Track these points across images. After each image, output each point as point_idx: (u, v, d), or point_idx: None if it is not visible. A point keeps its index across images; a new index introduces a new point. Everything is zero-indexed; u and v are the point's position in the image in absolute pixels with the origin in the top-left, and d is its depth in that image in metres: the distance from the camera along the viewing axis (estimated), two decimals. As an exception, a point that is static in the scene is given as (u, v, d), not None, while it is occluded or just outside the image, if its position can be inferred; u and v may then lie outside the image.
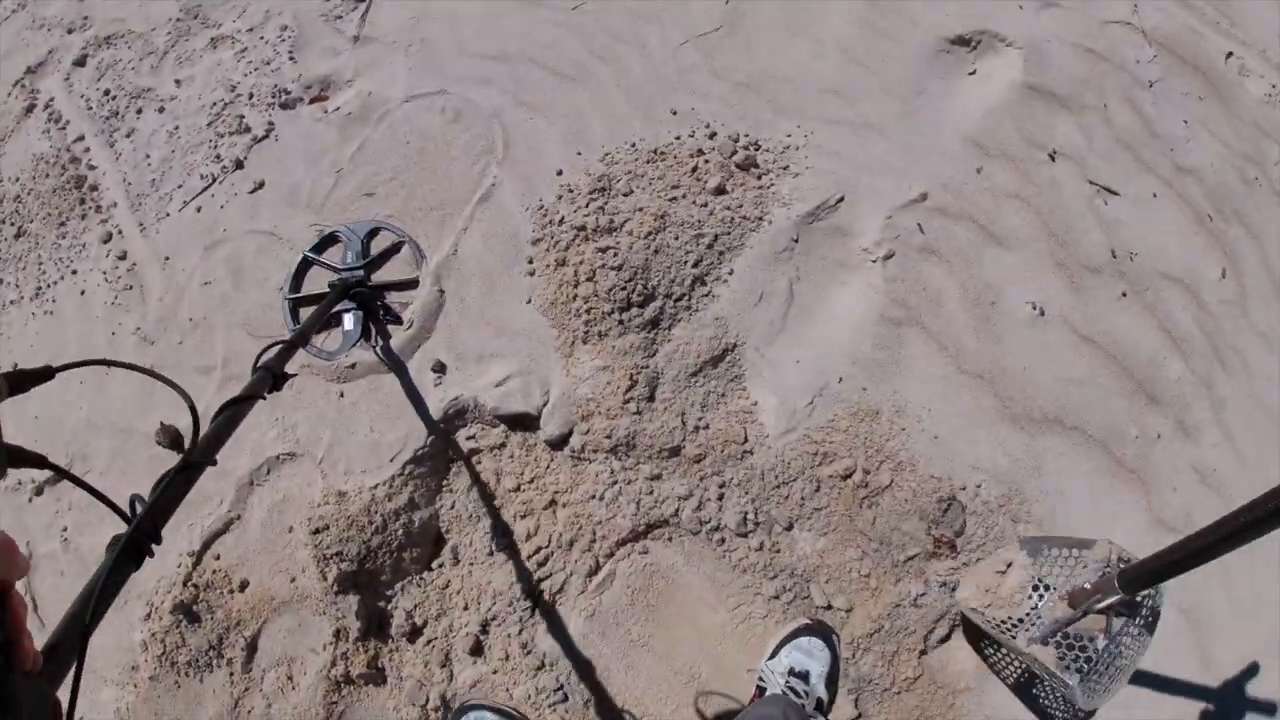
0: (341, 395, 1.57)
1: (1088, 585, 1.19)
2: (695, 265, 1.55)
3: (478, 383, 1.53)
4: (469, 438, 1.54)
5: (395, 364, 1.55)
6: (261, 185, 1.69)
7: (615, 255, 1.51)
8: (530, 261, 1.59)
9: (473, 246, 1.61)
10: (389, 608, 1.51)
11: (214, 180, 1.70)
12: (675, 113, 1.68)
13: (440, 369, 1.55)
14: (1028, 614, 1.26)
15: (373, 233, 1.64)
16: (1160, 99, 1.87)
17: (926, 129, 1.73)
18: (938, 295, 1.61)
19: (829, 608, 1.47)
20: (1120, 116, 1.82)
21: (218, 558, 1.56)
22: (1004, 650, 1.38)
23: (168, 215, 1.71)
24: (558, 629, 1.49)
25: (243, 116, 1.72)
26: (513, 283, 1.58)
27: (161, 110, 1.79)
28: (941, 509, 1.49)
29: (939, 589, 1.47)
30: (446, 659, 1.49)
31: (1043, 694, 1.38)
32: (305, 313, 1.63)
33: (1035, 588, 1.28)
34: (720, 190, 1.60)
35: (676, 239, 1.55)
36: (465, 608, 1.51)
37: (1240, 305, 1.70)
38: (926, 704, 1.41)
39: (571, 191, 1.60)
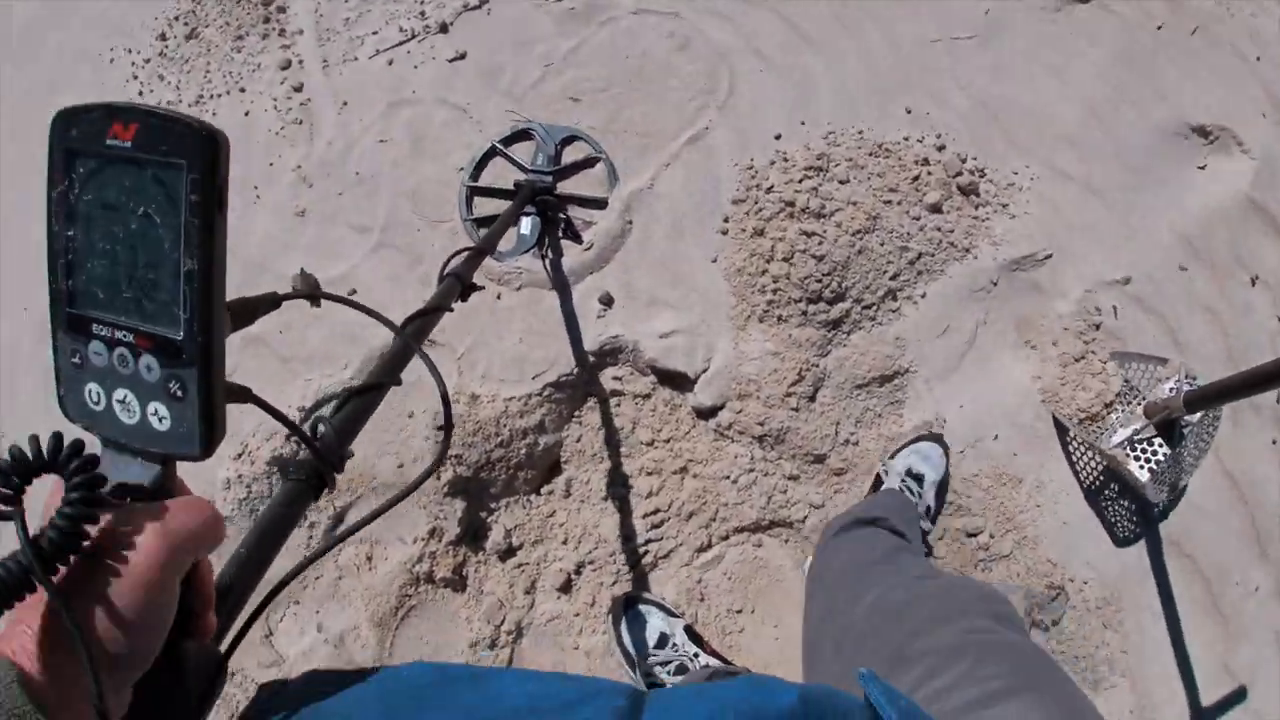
0: (499, 298, 1.50)
1: (1159, 400, 1.39)
2: (893, 278, 1.48)
3: (642, 327, 1.47)
4: (615, 378, 1.48)
5: (561, 283, 1.48)
6: (463, 56, 1.58)
7: (820, 244, 1.44)
8: (726, 220, 1.51)
9: (671, 186, 1.52)
10: (489, 520, 1.47)
11: (413, 36, 1.59)
12: (910, 111, 1.59)
13: (607, 301, 1.48)
14: (1111, 419, 1.48)
15: (568, 139, 1.55)
16: None
17: (1146, 211, 1.66)
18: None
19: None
20: (1330, 257, 1.76)
21: (328, 421, 1.49)
22: (1086, 449, 1.51)
23: (355, 59, 1.60)
24: (649, 591, 1.46)
25: (460, -24, 1.60)
26: (703, 236, 1.51)
27: (372, -56, 1.66)
28: (1049, 595, 1.47)
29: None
30: (532, 587, 1.47)
31: (1109, 503, 1.53)
32: (479, 203, 1.54)
33: (1119, 397, 1.49)
34: (936, 208, 1.52)
35: (882, 245, 1.48)
36: (564, 542, 1.47)
37: None
38: None
39: (786, 161, 1.52)
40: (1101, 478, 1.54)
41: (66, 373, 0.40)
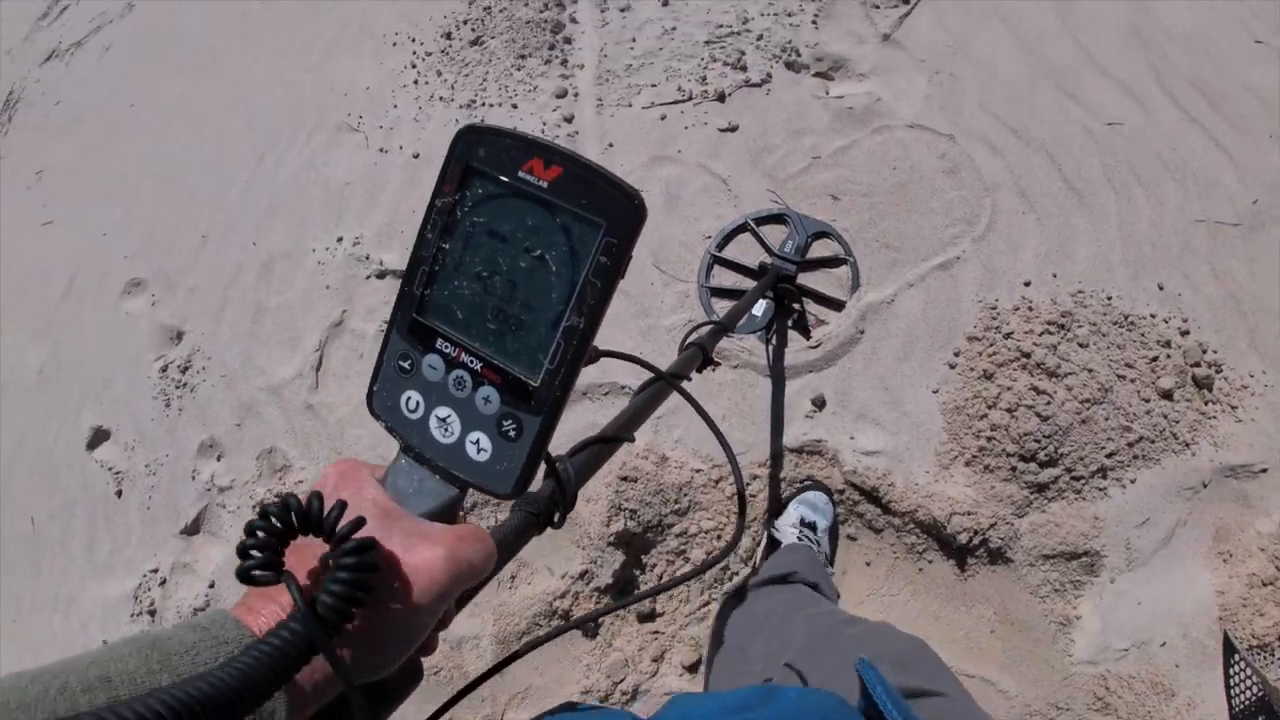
0: (714, 370, 1.51)
1: None
2: (1109, 456, 1.45)
3: (846, 437, 1.47)
4: (807, 478, 1.48)
5: (778, 373, 1.49)
6: (734, 129, 1.61)
7: (1047, 403, 1.42)
8: (957, 354, 1.50)
9: (911, 306, 1.52)
10: (640, 579, 1.49)
11: (689, 98, 1.63)
12: (1162, 288, 1.56)
13: (820, 404, 1.49)
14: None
15: (820, 234, 1.56)
16: None
17: (1373, 448, 1.59)
18: (1299, 614, 1.50)
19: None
20: None
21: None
22: (1249, 674, 1.42)
23: (629, 105, 1.64)
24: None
25: (744, 53, 1.63)
26: (929, 364, 1.50)
27: (666, 3, 1.69)
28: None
29: None
30: (661, 656, 1.48)
31: None
32: (718, 273, 1.56)
33: None
34: (1168, 395, 1.49)
35: (1107, 419, 1.45)
36: (708, 625, 1.48)
37: None
38: None
39: (1031, 310, 1.50)
40: (1254, 707, 1.48)
41: (389, 374, 0.40)
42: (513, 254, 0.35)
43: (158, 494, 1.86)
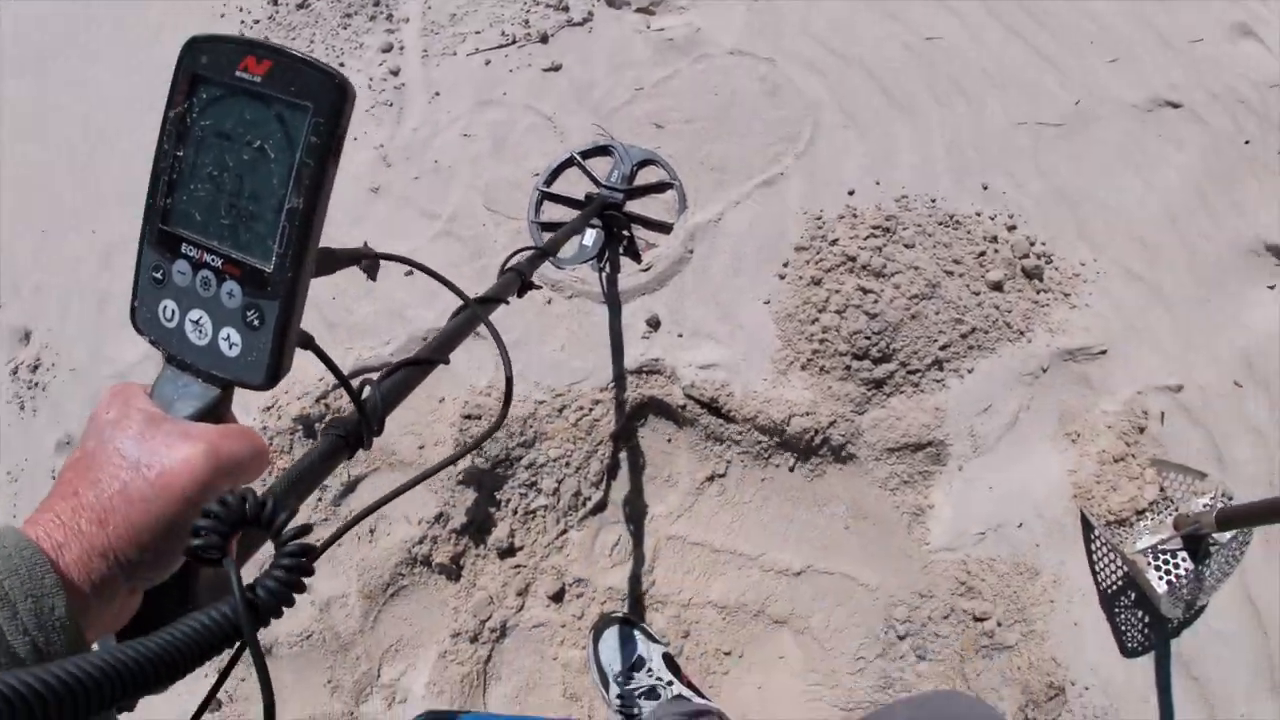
0: (549, 302, 1.59)
1: (1190, 514, 1.41)
2: (943, 348, 1.53)
3: (683, 355, 1.54)
4: (648, 398, 1.55)
5: (613, 299, 1.56)
6: (558, 68, 1.70)
7: (875, 302, 1.50)
8: (786, 265, 1.58)
9: (737, 223, 1.61)
10: (496, 516, 1.54)
11: (513, 42, 1.71)
12: (986, 188, 1.66)
13: (655, 324, 1.56)
14: (1139, 526, 1.50)
15: (645, 162, 1.64)
16: None
17: (1207, 324, 1.69)
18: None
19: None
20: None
21: (363, 393, 1.58)
22: (1109, 551, 1.53)
23: (454, 54, 1.73)
24: (637, 616, 1.50)
25: (567, -8, 1.72)
26: (759, 277, 1.58)
27: (489, -52, 1.79)
28: (1049, 694, 1.48)
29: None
30: (525, 590, 1.52)
31: (1123, 611, 1.55)
32: (548, 208, 1.64)
33: (1152, 506, 1.50)
34: (998, 286, 1.58)
35: (937, 314, 1.54)
36: (564, 552, 1.53)
37: None
38: None
39: (855, 217, 1.59)
40: (1120, 583, 1.56)
41: (145, 287, 0.42)
42: (237, 149, 0.38)
43: (21, 500, 1.87)
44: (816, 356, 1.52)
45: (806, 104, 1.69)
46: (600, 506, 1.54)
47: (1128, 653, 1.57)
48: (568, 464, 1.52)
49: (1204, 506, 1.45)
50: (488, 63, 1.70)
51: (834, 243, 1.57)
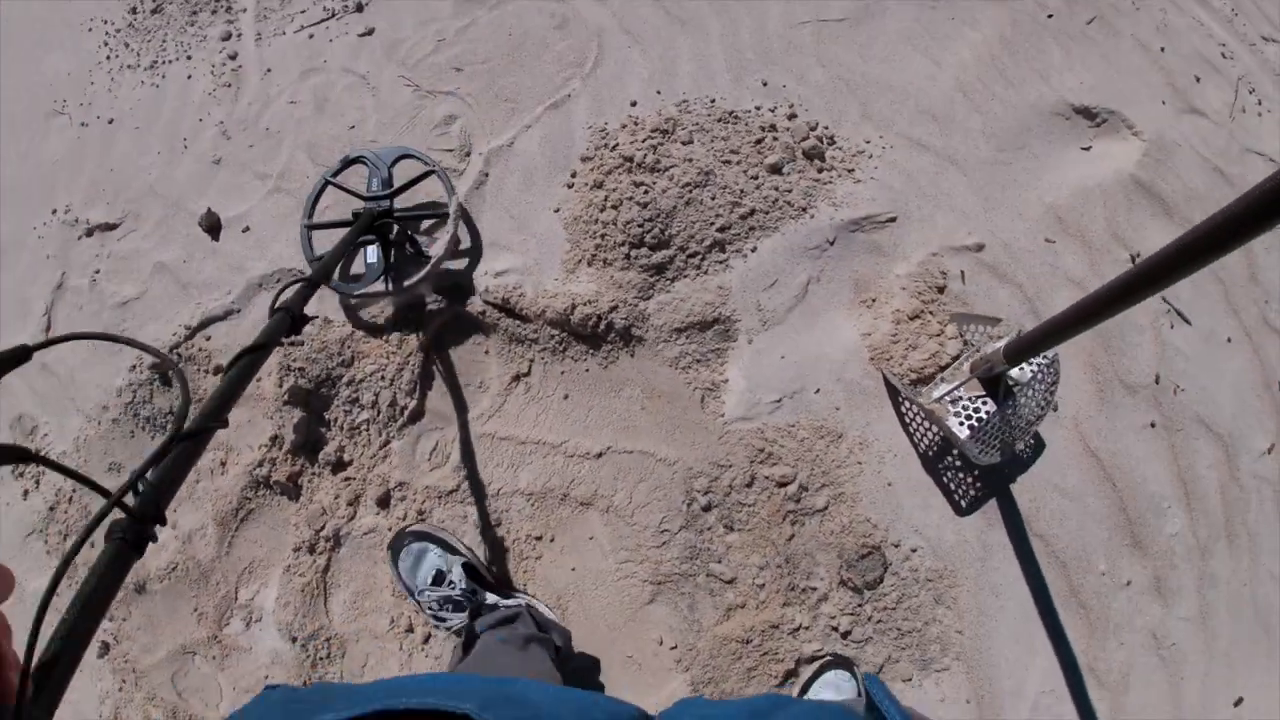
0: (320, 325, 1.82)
1: (984, 355, 1.47)
2: (721, 230, 1.68)
3: (481, 265, 1.74)
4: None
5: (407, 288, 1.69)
6: (371, 32, 1.97)
7: (646, 193, 1.67)
8: (573, 175, 1.78)
9: (528, 145, 1.81)
10: (326, 435, 1.74)
11: (333, 15, 2.00)
12: (766, 84, 1.82)
13: (456, 242, 1.76)
14: (936, 379, 1.57)
15: (400, 158, 1.76)
16: (1276, 248, 1.83)
17: (1011, 184, 1.79)
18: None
19: (711, 594, 1.57)
20: (1236, 245, 1.79)
21: (208, 339, 1.84)
22: (913, 406, 1.62)
23: (283, 34, 2.03)
24: (457, 516, 1.67)
25: (378, -33, 2.01)
26: (549, 189, 1.78)
27: (315, -59, 2.11)
28: (860, 553, 1.55)
29: (823, 632, 1.54)
30: (356, 500, 1.71)
31: (949, 470, 1.63)
32: (321, 239, 1.78)
33: (955, 360, 1.59)
34: (776, 169, 1.73)
35: (713, 199, 1.69)
36: (391, 462, 1.71)
37: (1276, 487, 1.66)
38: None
39: (636, 124, 1.78)
40: (940, 441, 1.63)
41: None
42: None
43: None
44: (599, 251, 1.69)
45: (592, 31, 1.90)
46: (417, 415, 1.73)
47: (961, 512, 1.63)
48: (383, 377, 1.72)
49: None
50: (311, 37, 2.00)
51: (614, 148, 1.75)
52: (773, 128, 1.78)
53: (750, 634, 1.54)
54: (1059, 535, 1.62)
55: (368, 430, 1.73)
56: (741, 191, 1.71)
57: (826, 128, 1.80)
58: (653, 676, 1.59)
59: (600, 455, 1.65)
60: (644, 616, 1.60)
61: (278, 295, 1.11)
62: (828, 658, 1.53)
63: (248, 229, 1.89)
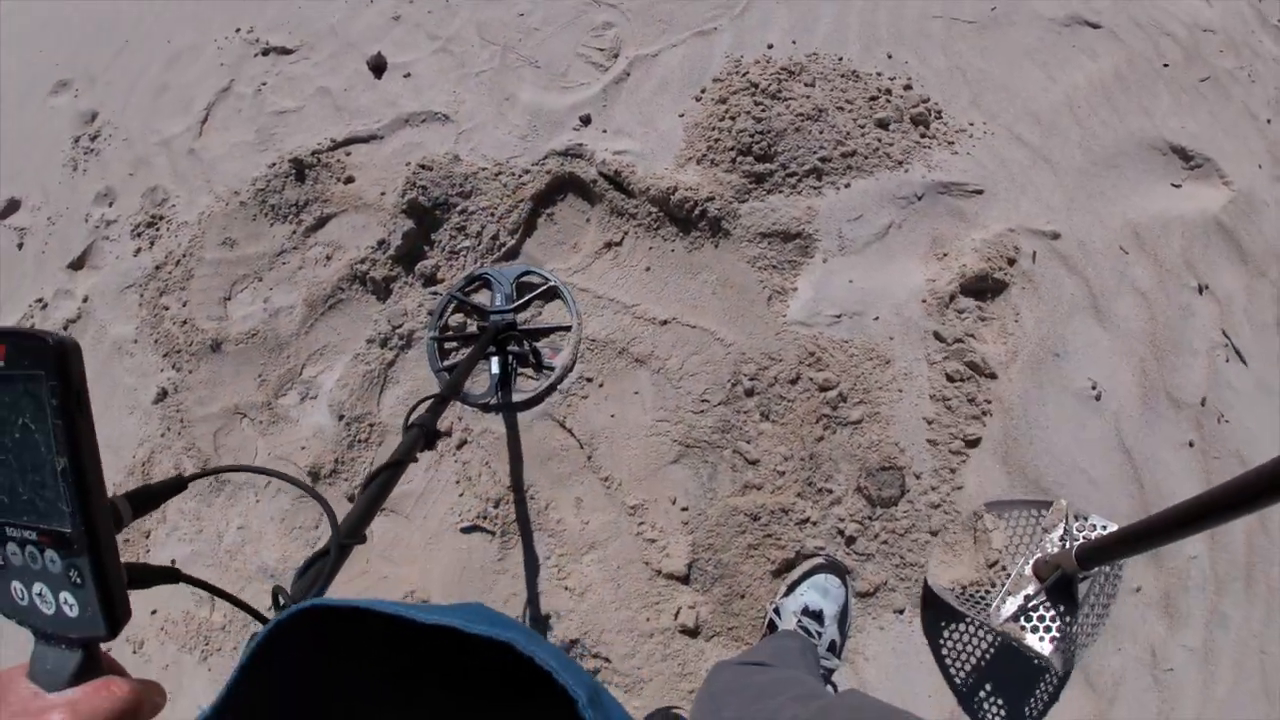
0: (508, 101, 2.21)
1: (1048, 556, 1.50)
2: (822, 160, 2.00)
3: (604, 144, 2.10)
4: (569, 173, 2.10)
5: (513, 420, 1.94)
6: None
7: (764, 111, 2.02)
8: (702, 91, 2.14)
9: (671, 59, 2.20)
10: (427, 252, 2.08)
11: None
12: (891, 57, 2.17)
13: (586, 120, 2.13)
14: (994, 587, 1.56)
15: (524, 273, 2.02)
16: None
17: (1097, 194, 2.06)
18: (1013, 314, 1.91)
19: (733, 469, 1.81)
20: (1299, 305, 2.02)
21: (348, 154, 2.24)
22: (971, 627, 1.64)
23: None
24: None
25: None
26: (680, 97, 2.14)
27: None
28: (882, 467, 1.77)
29: (829, 532, 1.75)
30: (431, 315, 2.03)
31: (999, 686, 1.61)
32: (450, 352, 2.04)
33: (1004, 552, 1.59)
34: (883, 124, 2.06)
35: (821, 132, 2.02)
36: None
37: None
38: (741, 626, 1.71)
39: (769, 62, 2.15)
40: (990, 654, 1.66)
41: None
42: (9, 430, 0.46)
43: (54, 239, 2.59)
44: (710, 152, 2.03)
45: (747, -20, 2.32)
46: (514, 253, 2.06)
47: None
48: (492, 214, 2.06)
49: (1060, 542, 1.54)
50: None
51: (744, 75, 2.12)
52: (888, 92, 2.11)
53: (760, 511, 1.76)
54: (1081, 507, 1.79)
55: (465, 257, 2.06)
56: (848, 134, 2.04)
57: (937, 104, 2.12)
58: (656, 532, 1.81)
59: (665, 323, 1.93)
60: (665, 474, 1.85)
61: (411, 410, 1.25)
62: (822, 559, 1.72)
63: (409, 75, 2.30)
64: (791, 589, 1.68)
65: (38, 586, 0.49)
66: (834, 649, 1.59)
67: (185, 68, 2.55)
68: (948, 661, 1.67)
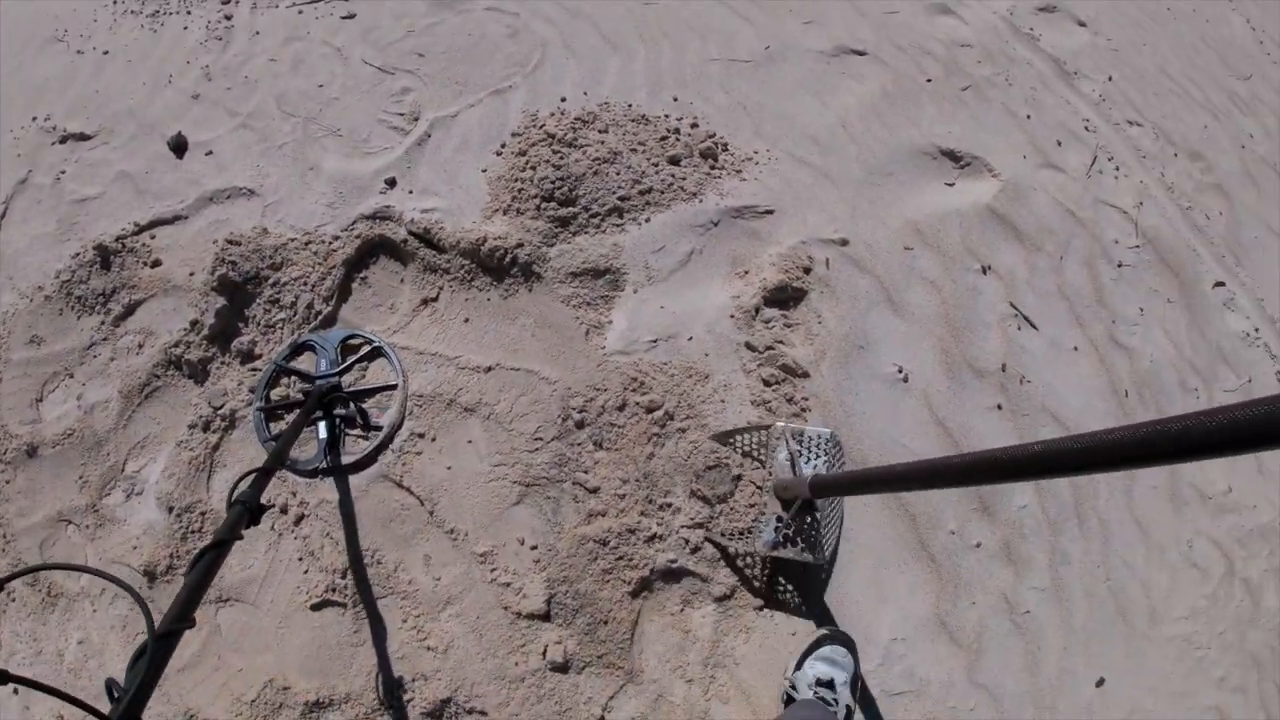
0: (312, 170, 2.44)
1: (786, 482, 1.90)
2: (621, 200, 2.32)
3: (411, 204, 2.35)
4: (379, 235, 2.34)
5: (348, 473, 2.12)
6: (353, 16, 2.71)
7: (561, 159, 2.33)
8: (502, 146, 2.44)
9: (470, 118, 2.49)
10: (242, 328, 2.25)
11: None
12: (676, 99, 2.54)
13: (391, 183, 2.38)
14: (753, 522, 1.97)
15: (348, 338, 2.22)
16: (1123, 280, 2.50)
17: (877, 201, 2.47)
18: (815, 317, 2.26)
19: (575, 500, 2.05)
20: (1073, 273, 2.46)
21: (153, 237, 2.39)
22: (750, 556, 2.00)
23: (277, 7, 2.76)
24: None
25: (367, -30, 2.79)
26: (481, 153, 2.43)
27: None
28: (707, 465, 2.05)
29: (677, 544, 1.99)
30: (255, 391, 2.20)
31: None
32: (278, 422, 2.22)
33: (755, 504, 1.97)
34: (675, 161, 2.40)
35: (618, 174, 2.35)
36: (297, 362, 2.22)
37: (1125, 481, 2.19)
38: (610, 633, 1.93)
39: (563, 114, 2.47)
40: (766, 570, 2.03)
41: None
42: None
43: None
44: (515, 201, 2.31)
45: (538, 42, 2.64)
46: (330, 320, 2.25)
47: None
48: (305, 283, 2.26)
49: (786, 460, 2.00)
50: (300, 13, 2.71)
51: (541, 127, 2.43)
52: (677, 131, 2.47)
53: (608, 535, 1.99)
54: (909, 494, 2.11)
55: (282, 329, 2.25)
56: (643, 173, 2.37)
57: (722, 137, 2.50)
58: (510, 575, 2.02)
59: (489, 369, 2.17)
60: (510, 517, 2.05)
61: (234, 487, 1.29)
62: (826, 631, 1.92)
63: (211, 153, 2.50)
64: (800, 663, 1.86)
65: None
66: (850, 716, 1.79)
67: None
68: (755, 585, 1.99)
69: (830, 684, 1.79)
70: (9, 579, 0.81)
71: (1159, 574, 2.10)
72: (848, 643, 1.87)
